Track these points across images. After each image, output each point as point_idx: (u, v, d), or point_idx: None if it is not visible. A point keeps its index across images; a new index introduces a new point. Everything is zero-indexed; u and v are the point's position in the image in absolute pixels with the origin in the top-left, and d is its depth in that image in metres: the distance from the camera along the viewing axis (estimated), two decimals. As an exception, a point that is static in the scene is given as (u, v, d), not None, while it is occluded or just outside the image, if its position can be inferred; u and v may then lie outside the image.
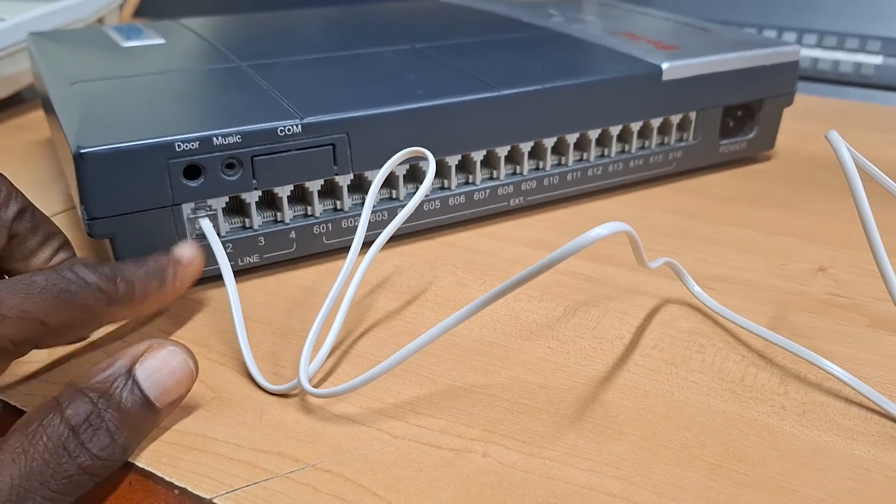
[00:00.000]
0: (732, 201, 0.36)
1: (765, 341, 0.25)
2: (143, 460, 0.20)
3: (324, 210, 0.29)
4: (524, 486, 0.19)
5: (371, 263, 0.29)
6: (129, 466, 0.20)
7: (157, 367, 0.20)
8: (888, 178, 0.25)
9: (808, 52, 0.56)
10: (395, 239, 0.32)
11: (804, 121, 0.46)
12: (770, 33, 0.57)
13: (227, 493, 0.19)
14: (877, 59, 0.54)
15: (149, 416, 0.20)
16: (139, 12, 0.72)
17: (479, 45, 0.37)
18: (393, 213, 0.30)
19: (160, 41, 0.38)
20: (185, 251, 0.24)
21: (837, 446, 0.21)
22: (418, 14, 0.45)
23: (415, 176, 0.31)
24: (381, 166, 0.26)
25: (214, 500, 0.19)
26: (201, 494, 0.19)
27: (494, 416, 0.22)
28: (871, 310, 0.27)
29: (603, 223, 0.19)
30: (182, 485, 0.19)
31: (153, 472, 0.20)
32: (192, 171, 0.26)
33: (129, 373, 0.19)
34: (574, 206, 0.35)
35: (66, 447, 0.17)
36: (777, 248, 0.31)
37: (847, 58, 0.55)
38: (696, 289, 0.27)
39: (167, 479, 0.20)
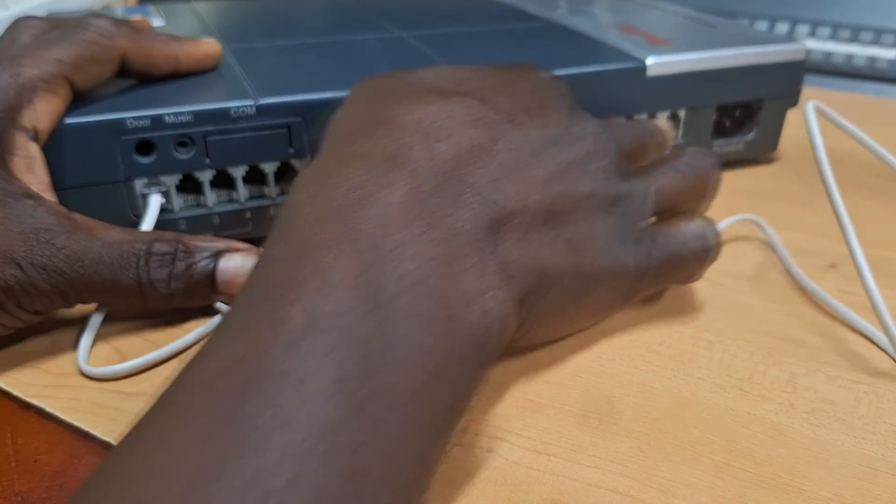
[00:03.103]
0: (743, 195, 0.35)
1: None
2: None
3: (280, 192, 0.29)
4: (529, 483, 0.19)
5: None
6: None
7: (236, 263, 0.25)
8: (881, 148, 0.24)
9: (821, 45, 0.55)
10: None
11: (816, 115, 0.45)
12: (783, 25, 0.57)
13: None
14: (891, 53, 0.54)
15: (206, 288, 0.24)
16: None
17: (469, 35, 0.37)
18: None
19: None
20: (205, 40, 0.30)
21: (845, 445, 0.20)
22: (425, 1, 0.45)
23: None
24: None
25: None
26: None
27: (499, 412, 0.22)
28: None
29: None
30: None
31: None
32: (145, 148, 0.26)
33: (216, 256, 0.24)
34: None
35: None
36: (788, 243, 0.31)
37: (861, 51, 0.54)
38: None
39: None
